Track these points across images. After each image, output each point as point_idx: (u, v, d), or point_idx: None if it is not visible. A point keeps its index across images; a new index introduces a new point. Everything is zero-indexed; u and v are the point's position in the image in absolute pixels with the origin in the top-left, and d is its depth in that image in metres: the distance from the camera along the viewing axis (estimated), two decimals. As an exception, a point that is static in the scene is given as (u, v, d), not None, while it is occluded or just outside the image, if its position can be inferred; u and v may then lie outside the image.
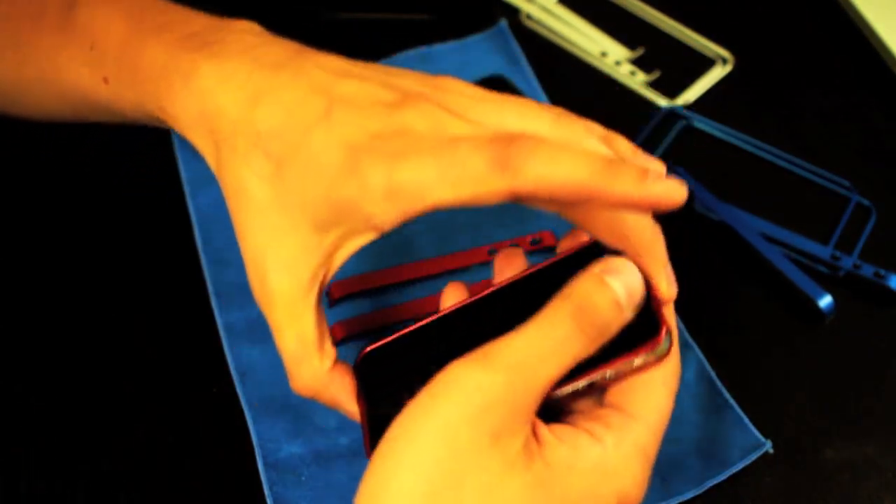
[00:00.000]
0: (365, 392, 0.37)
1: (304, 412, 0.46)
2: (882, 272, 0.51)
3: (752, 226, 0.53)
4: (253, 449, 0.45)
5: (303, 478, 0.44)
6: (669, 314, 0.34)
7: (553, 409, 0.33)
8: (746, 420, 0.46)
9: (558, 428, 0.32)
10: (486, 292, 0.37)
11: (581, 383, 0.33)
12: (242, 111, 0.37)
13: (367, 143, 0.34)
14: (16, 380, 0.48)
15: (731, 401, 0.47)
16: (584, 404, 0.34)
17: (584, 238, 0.37)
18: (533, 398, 0.31)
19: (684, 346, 0.49)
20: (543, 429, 0.32)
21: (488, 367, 0.30)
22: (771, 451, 0.45)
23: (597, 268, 0.33)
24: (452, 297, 0.38)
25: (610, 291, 0.32)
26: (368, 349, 0.38)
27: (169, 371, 0.48)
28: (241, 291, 0.51)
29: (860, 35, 0.64)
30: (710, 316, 0.51)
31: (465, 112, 0.35)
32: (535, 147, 0.31)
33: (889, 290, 0.51)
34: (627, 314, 0.33)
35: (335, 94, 0.35)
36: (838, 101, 0.62)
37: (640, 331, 0.32)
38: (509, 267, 0.39)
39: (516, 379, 0.30)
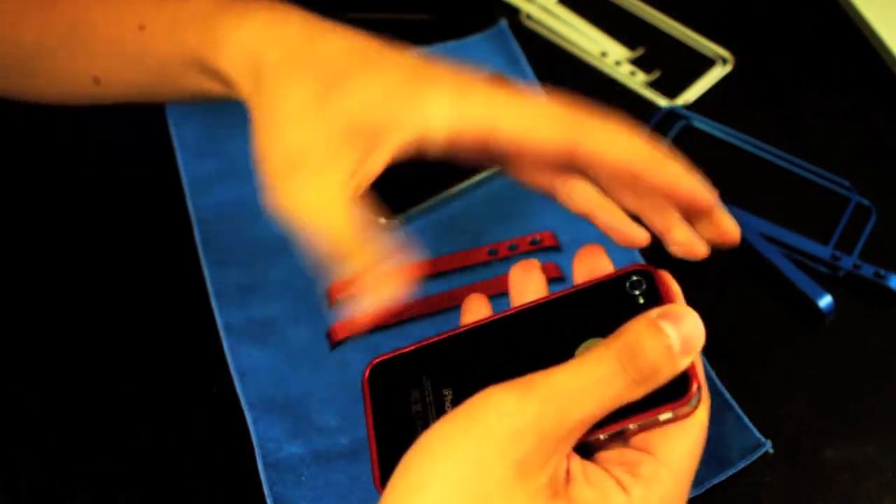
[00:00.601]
0: (373, 402, 0.37)
1: (304, 412, 0.46)
2: (882, 272, 0.51)
3: (752, 226, 0.53)
4: (253, 449, 0.45)
5: (303, 478, 0.44)
6: (697, 362, 0.34)
7: (583, 448, 0.33)
8: (746, 420, 0.46)
9: (591, 468, 0.32)
10: (505, 314, 0.36)
11: (602, 434, 0.32)
12: (299, 44, 0.40)
13: (432, 73, 0.38)
14: (16, 380, 0.48)
15: (731, 401, 0.47)
16: (614, 444, 0.34)
17: (605, 263, 0.37)
18: (565, 432, 0.31)
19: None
20: (578, 466, 0.32)
21: (525, 396, 0.30)
22: (771, 451, 0.45)
23: (654, 312, 0.33)
24: (473, 309, 0.38)
25: (663, 337, 0.32)
26: (376, 360, 0.38)
27: (169, 371, 0.48)
28: (241, 291, 0.51)
29: (860, 35, 0.64)
30: (710, 316, 0.50)
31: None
32: (603, 118, 0.37)
33: (889, 290, 0.51)
34: (681, 363, 0.32)
35: (384, 51, 0.40)
36: (838, 101, 0.62)
37: (669, 385, 0.32)
38: (526, 278, 0.38)
39: (549, 410, 0.30)
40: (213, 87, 0.44)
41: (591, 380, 0.31)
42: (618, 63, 0.63)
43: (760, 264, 0.52)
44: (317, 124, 0.39)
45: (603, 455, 0.33)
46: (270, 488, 0.44)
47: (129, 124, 0.59)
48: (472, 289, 0.50)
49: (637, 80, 0.62)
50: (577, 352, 0.34)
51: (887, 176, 0.57)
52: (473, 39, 0.64)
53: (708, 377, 0.47)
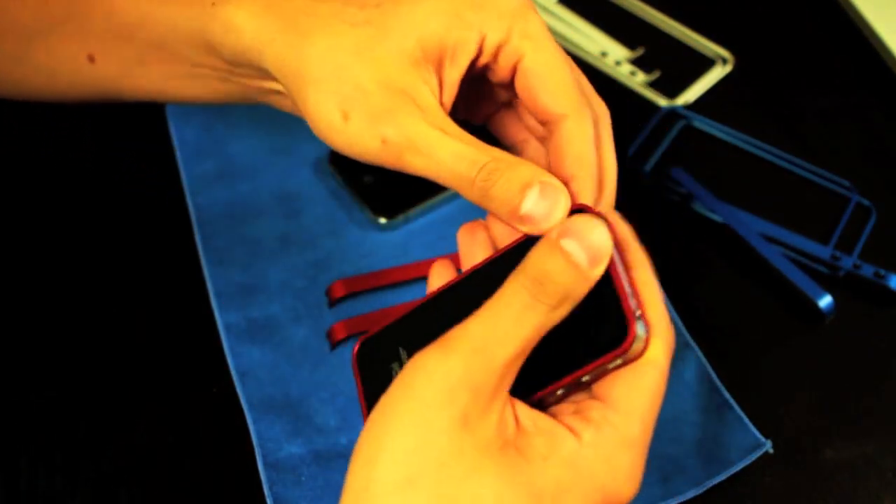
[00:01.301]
0: (363, 381, 0.37)
1: (304, 412, 0.46)
2: (882, 272, 0.51)
3: (752, 226, 0.53)
4: (253, 449, 0.45)
5: (302, 478, 0.44)
6: (651, 302, 0.33)
7: (541, 406, 0.33)
8: (746, 420, 0.46)
9: (540, 417, 0.32)
10: (460, 277, 0.37)
11: (556, 389, 0.32)
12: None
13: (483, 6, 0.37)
14: (16, 379, 0.48)
15: (731, 401, 0.47)
16: (574, 397, 0.34)
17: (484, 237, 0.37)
18: (497, 378, 0.31)
19: (684, 346, 0.49)
20: (525, 415, 0.32)
21: (447, 353, 0.31)
22: (771, 451, 0.45)
23: (553, 232, 0.32)
24: (439, 274, 0.38)
25: (564, 255, 0.31)
26: (362, 339, 0.38)
27: (169, 371, 0.48)
28: (241, 291, 0.51)
29: (860, 35, 0.64)
30: (710, 316, 0.51)
31: None
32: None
33: (889, 290, 0.51)
34: (592, 274, 0.31)
35: None
36: (838, 101, 0.62)
37: (610, 331, 0.32)
38: (472, 240, 0.38)
39: (474, 361, 0.30)
40: (214, 63, 0.42)
41: (506, 320, 0.31)
42: (618, 63, 0.63)
43: (760, 264, 0.52)
44: (375, 53, 0.36)
45: (557, 407, 0.33)
46: (270, 488, 0.44)
47: (130, 124, 0.59)
48: None
49: (637, 80, 0.62)
50: None
51: (887, 176, 0.57)
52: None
53: (708, 377, 0.47)
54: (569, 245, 0.31)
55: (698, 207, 0.55)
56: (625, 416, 0.32)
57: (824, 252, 0.52)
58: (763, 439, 0.45)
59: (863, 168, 0.57)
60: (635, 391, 0.32)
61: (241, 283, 0.51)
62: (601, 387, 0.33)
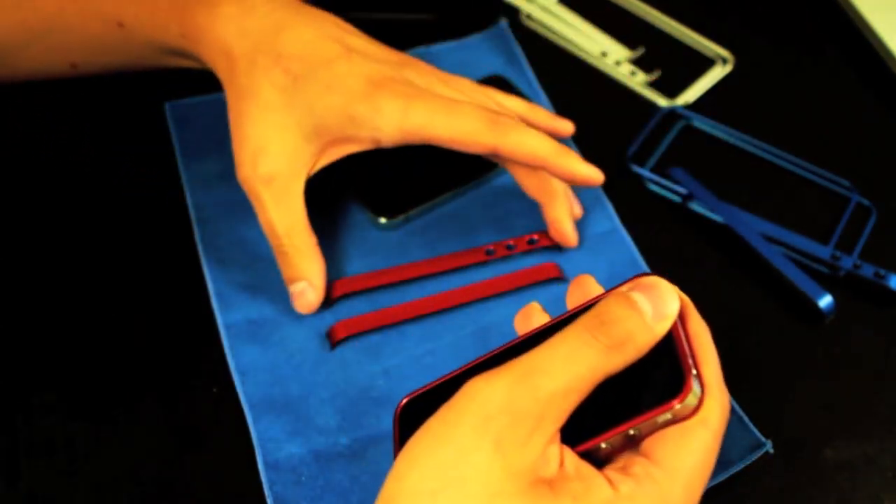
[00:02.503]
0: (401, 438, 0.36)
1: (304, 412, 0.46)
2: (882, 272, 0.51)
3: (752, 226, 0.53)
4: (253, 449, 0.45)
5: (303, 478, 0.44)
6: (706, 362, 0.33)
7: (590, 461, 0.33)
8: (746, 420, 0.46)
9: (583, 466, 0.32)
10: (523, 336, 0.36)
11: (605, 439, 0.32)
12: (266, 36, 0.46)
13: (384, 83, 0.46)
14: (16, 379, 0.48)
15: (732, 401, 0.47)
16: (623, 456, 0.33)
17: (596, 289, 0.38)
18: (540, 408, 0.30)
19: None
20: (570, 461, 0.32)
21: (495, 377, 0.31)
22: (771, 451, 0.45)
23: (625, 286, 0.33)
24: (525, 319, 0.38)
25: (632, 303, 0.32)
26: (408, 398, 0.37)
27: (169, 371, 0.48)
28: (241, 291, 0.51)
29: (860, 35, 0.64)
30: (710, 316, 0.50)
31: (447, 82, 0.49)
32: (517, 123, 0.47)
33: (889, 290, 0.51)
34: (656, 328, 0.32)
35: (348, 44, 0.47)
36: (838, 101, 0.62)
37: (666, 385, 0.31)
38: (579, 289, 0.38)
39: (519, 388, 0.30)
40: (193, 65, 0.49)
41: (560, 353, 0.31)
42: (618, 63, 0.63)
43: (760, 264, 0.52)
44: (283, 119, 0.46)
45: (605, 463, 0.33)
46: (270, 488, 0.44)
47: (130, 125, 0.59)
48: (471, 289, 0.50)
49: (637, 80, 0.62)
50: None
51: (887, 176, 0.57)
52: (473, 39, 0.64)
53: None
54: (637, 296, 0.33)
55: (698, 207, 0.55)
56: (668, 474, 0.31)
57: (824, 252, 0.52)
58: (763, 439, 0.45)
59: (863, 168, 0.57)
60: (683, 450, 0.31)
61: (241, 283, 0.51)
62: (649, 444, 0.32)
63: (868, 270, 0.52)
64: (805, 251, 0.53)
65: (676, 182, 0.55)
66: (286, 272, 0.48)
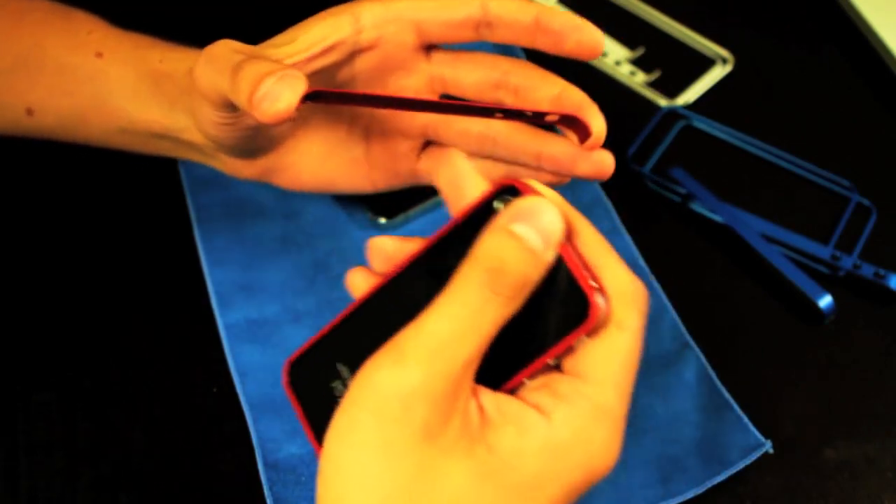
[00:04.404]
0: (302, 405, 0.35)
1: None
2: (882, 272, 0.51)
3: (752, 226, 0.53)
4: (253, 449, 0.45)
5: (303, 478, 0.44)
6: (606, 261, 0.31)
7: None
8: (746, 420, 0.46)
9: (505, 402, 0.30)
10: (390, 277, 0.34)
11: (523, 378, 0.31)
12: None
13: None
14: (16, 379, 0.48)
15: (731, 401, 0.47)
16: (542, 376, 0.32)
17: (463, 167, 0.34)
18: (456, 380, 0.29)
19: (684, 346, 0.49)
20: (490, 402, 0.30)
21: (401, 361, 0.29)
22: (771, 451, 0.45)
23: (504, 217, 0.30)
24: (358, 282, 0.36)
25: (520, 242, 0.30)
26: (290, 360, 0.36)
27: (169, 371, 0.48)
28: (241, 291, 0.51)
29: (860, 35, 0.64)
30: (710, 316, 0.51)
31: None
32: None
33: (889, 290, 0.51)
34: (546, 257, 0.30)
35: None
36: (838, 101, 0.62)
37: (572, 306, 0.30)
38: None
39: (432, 367, 0.28)
40: (153, 115, 0.45)
41: (464, 318, 0.29)
42: (618, 63, 0.63)
43: (760, 264, 0.52)
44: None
45: (523, 388, 0.31)
46: (270, 488, 0.44)
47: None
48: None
49: (637, 80, 0.62)
50: None
51: (887, 176, 0.57)
52: (474, 46, 0.64)
53: (708, 377, 0.47)
54: (521, 229, 0.30)
55: (698, 207, 0.55)
56: (597, 386, 0.30)
57: (824, 252, 0.52)
58: (763, 439, 0.45)
59: (863, 168, 0.57)
60: (606, 359, 0.30)
61: (241, 283, 0.51)
62: (570, 361, 0.31)
63: (868, 270, 0.52)
64: (805, 251, 0.53)
65: (676, 182, 0.55)
66: (247, 78, 0.34)
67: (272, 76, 0.33)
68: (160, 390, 0.47)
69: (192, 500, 0.44)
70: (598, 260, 0.31)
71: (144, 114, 0.46)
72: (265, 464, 0.44)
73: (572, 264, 0.30)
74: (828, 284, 0.51)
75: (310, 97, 0.34)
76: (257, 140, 0.43)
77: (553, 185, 0.42)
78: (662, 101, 0.61)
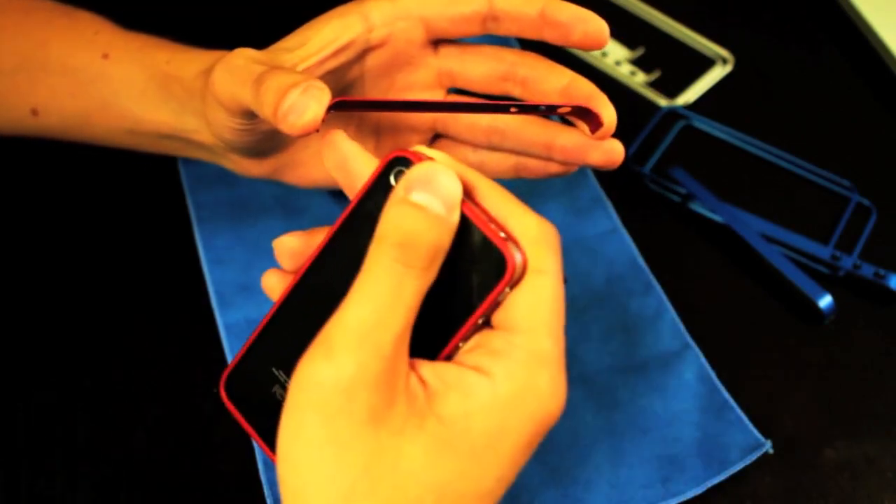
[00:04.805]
0: (246, 417, 0.35)
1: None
2: (882, 272, 0.51)
3: (752, 226, 0.53)
4: (253, 449, 0.45)
5: (303, 478, 0.44)
6: (510, 213, 0.31)
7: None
8: (746, 420, 0.46)
9: (444, 369, 0.30)
10: (301, 273, 0.34)
11: (457, 342, 0.31)
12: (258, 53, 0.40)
13: None
14: (16, 379, 0.48)
15: (731, 401, 0.47)
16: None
17: (347, 145, 0.34)
18: (391, 361, 0.29)
19: (684, 347, 0.49)
20: (429, 373, 0.30)
21: (331, 353, 0.28)
22: (771, 451, 0.45)
23: (401, 189, 0.30)
24: (273, 284, 0.35)
25: (422, 210, 0.29)
26: (224, 375, 0.35)
27: (169, 371, 0.48)
28: (241, 291, 0.51)
29: (860, 35, 0.64)
30: (710, 316, 0.51)
31: None
32: None
33: (889, 290, 0.51)
34: (452, 219, 0.30)
35: None
36: (838, 101, 0.62)
37: (486, 266, 0.30)
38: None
39: (362, 353, 0.28)
40: (161, 116, 0.46)
41: (383, 297, 0.29)
42: (618, 63, 0.63)
43: (760, 264, 0.52)
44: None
45: (460, 350, 0.32)
46: (270, 489, 0.44)
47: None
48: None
49: (637, 80, 0.62)
50: None
51: (887, 176, 0.57)
52: (473, 39, 0.64)
53: (708, 377, 0.47)
54: (421, 198, 0.30)
55: (698, 207, 0.55)
56: (530, 335, 0.30)
57: (824, 252, 0.52)
58: (763, 439, 0.45)
59: (863, 168, 0.57)
60: (533, 305, 0.30)
61: (241, 283, 0.51)
62: (498, 316, 0.31)
63: (868, 270, 0.52)
64: (805, 251, 0.53)
65: (676, 182, 0.55)
66: (271, 90, 0.35)
67: (296, 88, 0.34)
68: (160, 390, 0.47)
69: (192, 500, 0.44)
70: (502, 210, 0.31)
71: (152, 115, 0.46)
72: (265, 464, 0.44)
73: (478, 221, 0.30)
74: (828, 284, 0.51)
75: (334, 107, 0.34)
76: (271, 141, 0.43)
77: (560, 174, 0.43)
78: (662, 101, 0.61)
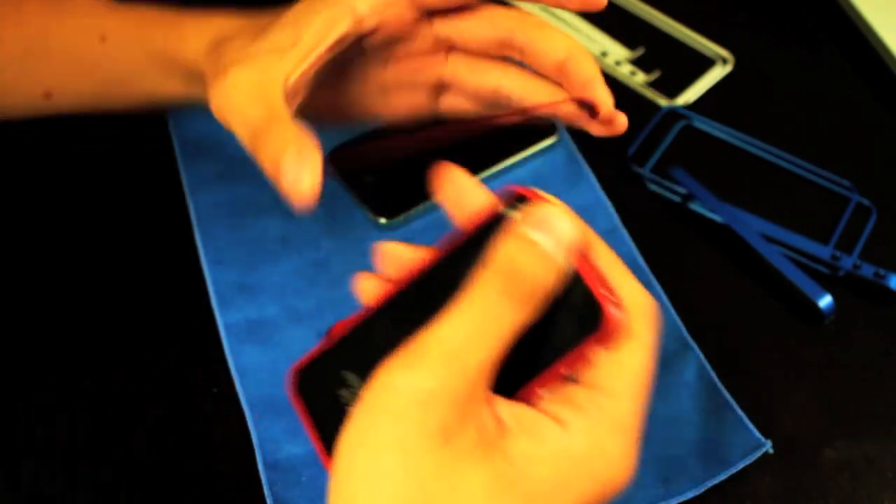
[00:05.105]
0: (311, 413, 0.35)
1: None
2: (882, 272, 0.51)
3: (752, 226, 0.53)
4: (253, 449, 0.45)
5: (302, 478, 0.44)
6: (619, 275, 0.31)
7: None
8: (746, 420, 0.46)
9: (522, 411, 0.30)
10: (404, 285, 0.34)
11: (536, 386, 0.31)
12: (252, 27, 0.42)
13: None
14: (16, 379, 0.48)
15: (731, 401, 0.47)
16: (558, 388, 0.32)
17: (467, 184, 0.35)
18: (472, 383, 0.29)
19: (684, 347, 0.49)
20: (506, 411, 0.30)
21: (416, 363, 0.29)
22: (771, 451, 0.45)
23: (518, 224, 0.30)
24: (367, 288, 0.36)
25: (537, 248, 0.30)
26: (295, 368, 0.35)
27: (169, 371, 0.48)
28: (241, 291, 0.51)
29: (860, 35, 0.64)
30: (710, 316, 0.51)
31: None
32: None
33: (889, 290, 0.51)
34: (564, 263, 0.30)
35: None
36: (838, 101, 0.62)
37: (585, 319, 0.30)
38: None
39: (448, 369, 0.28)
40: (172, 87, 0.47)
41: (480, 321, 0.29)
42: (618, 63, 0.63)
43: (760, 264, 0.52)
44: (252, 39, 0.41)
45: (541, 397, 0.31)
46: (270, 488, 0.44)
47: (130, 124, 0.59)
48: None
49: (637, 80, 0.62)
50: None
51: (887, 176, 0.57)
52: None
53: (708, 377, 0.47)
54: (539, 237, 0.30)
55: (698, 207, 0.55)
56: (614, 398, 0.30)
57: (824, 252, 0.52)
58: (763, 439, 0.45)
59: (863, 168, 0.57)
60: (622, 372, 0.31)
61: (241, 283, 0.51)
62: (586, 374, 0.31)
63: (868, 270, 0.52)
64: (805, 251, 0.53)
65: (676, 182, 0.55)
66: (268, 152, 0.38)
67: (288, 154, 0.37)
68: (160, 390, 0.47)
69: (192, 500, 0.44)
70: (611, 273, 0.32)
71: (163, 88, 0.47)
72: (265, 464, 0.44)
73: (587, 275, 0.31)
74: (828, 284, 0.51)
75: (331, 158, 0.35)
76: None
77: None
78: (662, 101, 0.61)
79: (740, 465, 0.44)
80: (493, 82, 0.43)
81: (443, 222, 0.54)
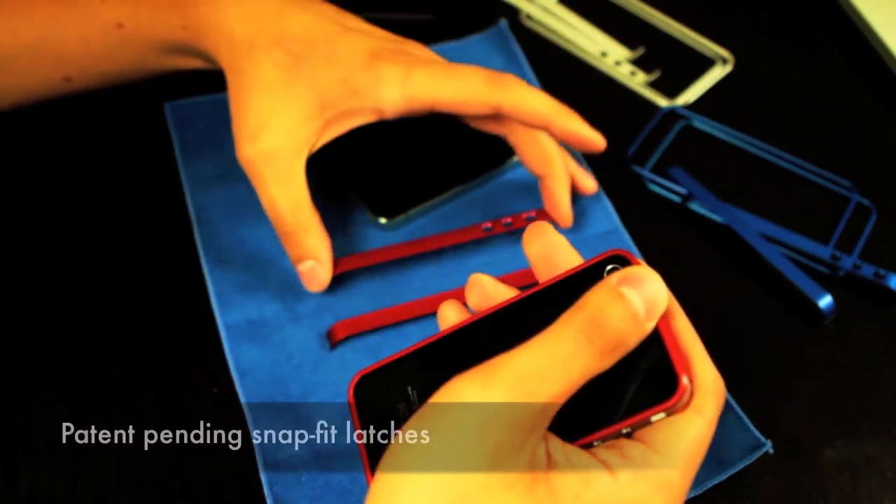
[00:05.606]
0: (360, 417, 0.36)
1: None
2: (882, 272, 0.51)
3: (752, 226, 0.53)
4: (253, 449, 0.45)
5: (302, 478, 0.44)
6: (695, 348, 0.33)
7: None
8: (746, 420, 0.46)
9: (574, 452, 0.31)
10: (483, 315, 0.35)
11: (596, 439, 0.31)
12: (267, 19, 0.46)
13: (383, 53, 0.46)
14: (16, 379, 0.48)
15: (732, 401, 0.47)
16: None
17: (556, 240, 0.36)
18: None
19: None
20: (558, 449, 0.31)
21: (489, 383, 0.30)
22: (771, 451, 0.45)
23: (614, 278, 0.32)
24: (449, 314, 0.37)
25: (626, 303, 0.31)
26: (361, 373, 0.37)
27: (169, 371, 0.48)
28: (241, 291, 0.51)
29: (860, 35, 0.64)
30: (710, 316, 0.51)
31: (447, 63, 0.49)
32: (519, 81, 0.47)
33: (889, 290, 0.51)
34: (646, 327, 0.31)
35: (347, 24, 0.48)
36: (838, 102, 0.62)
37: (658, 382, 0.31)
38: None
39: (516, 396, 0.29)
40: (193, 63, 0.49)
41: (556, 357, 0.30)
42: (618, 63, 0.63)
43: (760, 264, 0.52)
44: (284, 96, 0.46)
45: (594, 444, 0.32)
46: (270, 489, 0.44)
47: (130, 124, 0.59)
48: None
49: (637, 80, 0.62)
50: None
51: (887, 176, 0.57)
52: (473, 39, 0.64)
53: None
54: (629, 293, 0.31)
55: (698, 207, 0.55)
56: (666, 459, 0.31)
57: (824, 252, 0.52)
58: (763, 439, 0.45)
59: (863, 168, 0.57)
60: (680, 438, 0.31)
61: (241, 283, 0.51)
62: (642, 431, 0.32)
63: (868, 270, 0.52)
64: (805, 251, 0.53)
65: (676, 182, 0.55)
66: (293, 252, 0.48)
67: (308, 262, 0.49)
68: (160, 390, 0.47)
69: (192, 500, 0.44)
70: (689, 346, 0.33)
71: (185, 64, 0.50)
72: (265, 464, 0.44)
73: (668, 341, 0.32)
74: (828, 284, 0.51)
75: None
76: None
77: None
78: (662, 101, 0.61)
79: (740, 465, 0.44)
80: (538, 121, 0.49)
81: (443, 222, 0.54)
